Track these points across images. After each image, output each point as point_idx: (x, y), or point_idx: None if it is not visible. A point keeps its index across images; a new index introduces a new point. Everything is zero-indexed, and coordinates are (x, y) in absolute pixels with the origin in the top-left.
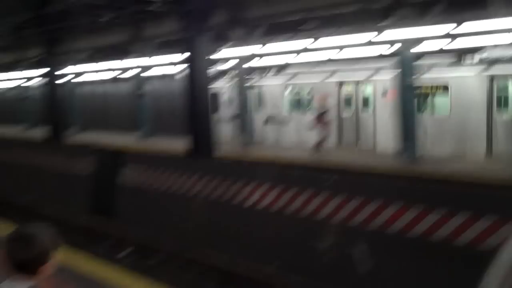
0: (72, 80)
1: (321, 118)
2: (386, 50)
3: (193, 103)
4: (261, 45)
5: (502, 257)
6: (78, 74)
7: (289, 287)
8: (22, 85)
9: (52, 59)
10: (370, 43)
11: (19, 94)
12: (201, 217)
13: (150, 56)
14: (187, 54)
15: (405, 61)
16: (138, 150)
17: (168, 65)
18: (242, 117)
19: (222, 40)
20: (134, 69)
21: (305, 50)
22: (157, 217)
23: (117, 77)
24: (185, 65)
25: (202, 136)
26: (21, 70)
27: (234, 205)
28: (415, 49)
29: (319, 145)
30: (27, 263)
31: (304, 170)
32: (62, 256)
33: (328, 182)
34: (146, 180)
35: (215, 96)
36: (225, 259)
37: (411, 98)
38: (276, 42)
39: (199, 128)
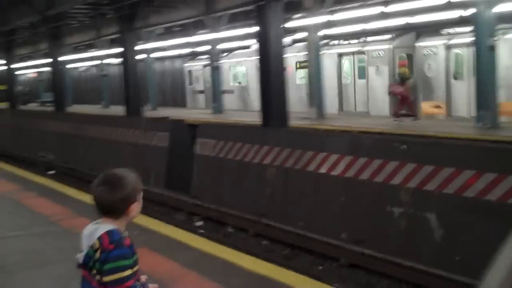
0: (146, 57)
1: (401, 84)
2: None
3: (265, 73)
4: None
5: (503, 255)
6: (151, 51)
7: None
8: (98, 64)
9: (127, 36)
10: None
11: (96, 73)
12: (272, 186)
13: (222, 31)
14: (259, 22)
15: (484, 21)
16: (212, 122)
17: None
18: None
19: (292, 9)
20: (206, 45)
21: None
22: (230, 188)
23: (193, 51)
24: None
25: (274, 106)
26: (97, 49)
27: (306, 174)
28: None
29: (401, 112)
30: (112, 205)
31: (376, 139)
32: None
33: (398, 150)
34: (220, 150)
35: (190, 73)
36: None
37: (490, 61)
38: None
39: (270, 98)
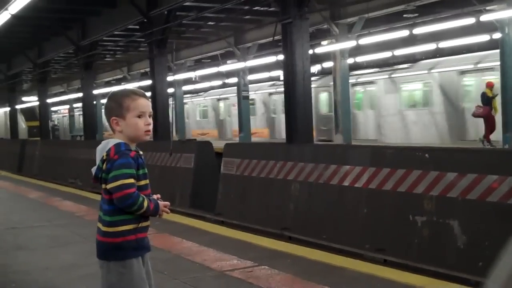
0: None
1: (489, 106)
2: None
3: (291, 91)
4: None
5: (508, 254)
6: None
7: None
8: None
9: (156, 62)
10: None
11: None
12: (297, 201)
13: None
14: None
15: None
16: (236, 142)
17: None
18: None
19: (319, 36)
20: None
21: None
22: (254, 205)
23: (225, 82)
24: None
25: (299, 123)
26: (127, 82)
27: (330, 187)
28: None
29: (487, 136)
30: (106, 115)
31: (397, 149)
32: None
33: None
34: (245, 169)
35: None
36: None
37: None
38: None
39: (296, 115)
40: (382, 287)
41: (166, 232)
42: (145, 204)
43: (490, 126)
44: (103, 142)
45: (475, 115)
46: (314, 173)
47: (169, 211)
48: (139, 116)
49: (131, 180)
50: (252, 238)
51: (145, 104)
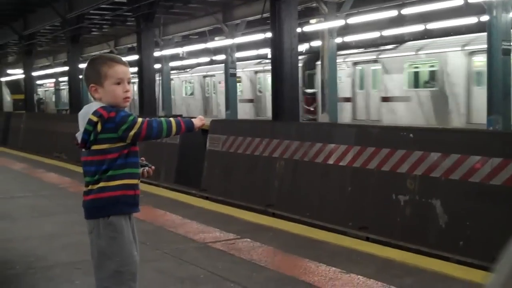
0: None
1: None
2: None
3: (278, 69)
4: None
5: (507, 256)
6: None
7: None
8: None
9: (144, 36)
10: None
11: None
12: (282, 178)
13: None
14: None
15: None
16: (222, 119)
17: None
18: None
19: (308, 15)
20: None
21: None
22: (239, 181)
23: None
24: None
25: (286, 101)
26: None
27: (315, 165)
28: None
29: None
30: (85, 82)
31: (383, 128)
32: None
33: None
34: (231, 146)
35: None
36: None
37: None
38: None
39: (283, 93)
40: (362, 260)
41: (150, 204)
42: (172, 120)
43: None
44: (85, 107)
45: None
46: (299, 151)
47: (204, 120)
48: (117, 83)
49: (140, 119)
50: (236, 212)
51: (123, 71)
